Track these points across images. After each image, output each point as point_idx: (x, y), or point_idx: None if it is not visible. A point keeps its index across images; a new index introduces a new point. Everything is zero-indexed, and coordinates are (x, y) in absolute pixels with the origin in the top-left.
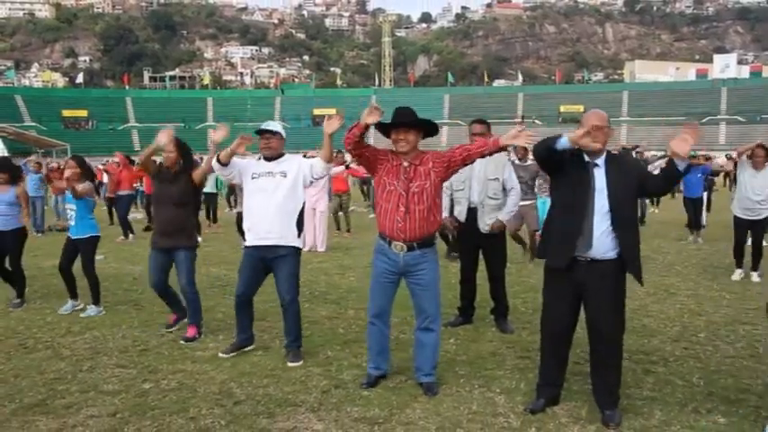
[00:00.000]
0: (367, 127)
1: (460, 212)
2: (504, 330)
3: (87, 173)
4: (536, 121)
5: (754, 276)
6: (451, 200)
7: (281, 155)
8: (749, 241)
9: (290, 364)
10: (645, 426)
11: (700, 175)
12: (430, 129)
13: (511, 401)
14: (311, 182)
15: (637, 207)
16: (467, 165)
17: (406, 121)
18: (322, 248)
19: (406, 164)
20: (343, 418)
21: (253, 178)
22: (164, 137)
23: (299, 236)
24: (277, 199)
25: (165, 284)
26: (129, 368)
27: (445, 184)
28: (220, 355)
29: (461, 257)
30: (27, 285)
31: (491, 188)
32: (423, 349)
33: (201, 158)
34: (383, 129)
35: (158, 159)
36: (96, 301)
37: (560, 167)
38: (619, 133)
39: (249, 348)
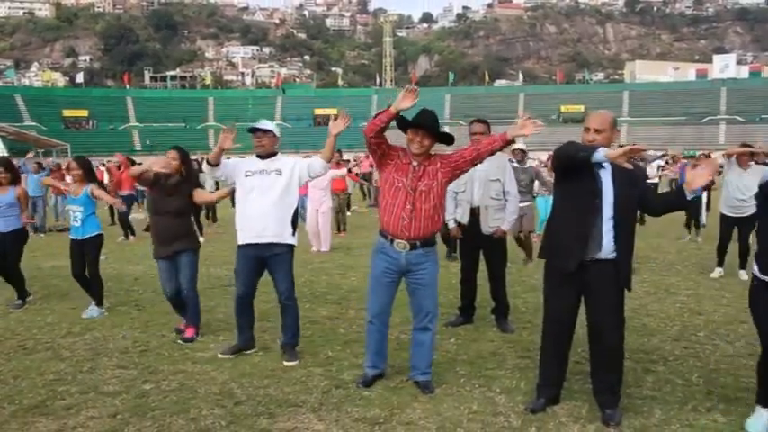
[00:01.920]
0: (397, 114)
1: (462, 214)
2: (504, 330)
3: (89, 174)
4: (537, 121)
5: (743, 274)
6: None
7: (273, 153)
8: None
9: (286, 363)
10: (645, 424)
11: None
12: (446, 139)
13: (511, 401)
14: (307, 180)
15: (635, 215)
16: (476, 164)
17: (427, 126)
18: (325, 248)
19: (415, 163)
20: (343, 419)
21: (246, 176)
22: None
23: (293, 234)
24: (273, 197)
25: (179, 293)
26: (130, 369)
27: (450, 186)
28: (219, 355)
29: (462, 257)
30: (27, 286)
31: (493, 189)
32: (420, 348)
33: (203, 158)
34: (402, 124)
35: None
36: (99, 303)
37: (574, 172)
38: (619, 133)
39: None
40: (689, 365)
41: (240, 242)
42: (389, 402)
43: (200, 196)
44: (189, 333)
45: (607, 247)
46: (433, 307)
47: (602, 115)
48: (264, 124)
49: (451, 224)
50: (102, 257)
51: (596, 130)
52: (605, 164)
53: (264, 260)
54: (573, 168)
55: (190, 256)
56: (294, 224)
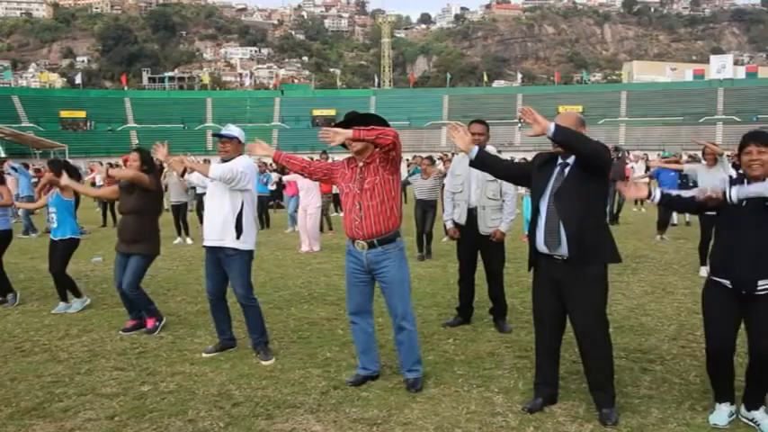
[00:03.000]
0: (278, 156)
1: (460, 214)
2: (502, 330)
3: (60, 176)
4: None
5: (703, 271)
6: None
7: (234, 158)
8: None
9: (263, 363)
10: (642, 424)
11: (672, 174)
12: (375, 122)
13: (509, 401)
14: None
15: (598, 203)
16: (386, 147)
17: (345, 122)
18: (317, 248)
19: (361, 164)
20: (341, 419)
21: (211, 180)
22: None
23: (238, 237)
24: (216, 201)
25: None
26: (128, 370)
27: (448, 187)
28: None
29: (460, 258)
30: (24, 288)
31: (490, 189)
32: (401, 347)
33: (207, 160)
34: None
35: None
36: (77, 295)
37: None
38: (618, 134)
39: (246, 349)
40: (686, 364)
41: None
42: (387, 403)
43: (119, 172)
44: (149, 324)
45: (563, 244)
46: (403, 306)
47: (565, 114)
48: (230, 130)
49: (449, 225)
50: (98, 259)
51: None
52: (569, 161)
53: (220, 262)
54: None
55: (138, 259)
56: (238, 228)
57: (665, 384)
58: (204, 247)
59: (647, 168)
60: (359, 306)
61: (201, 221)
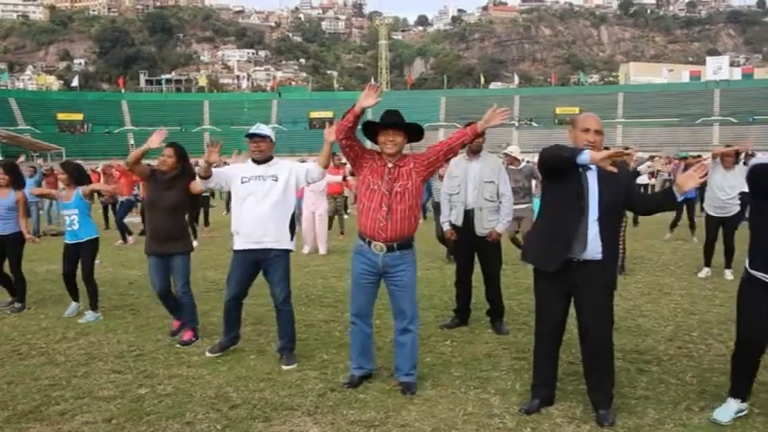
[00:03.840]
0: (362, 113)
1: (457, 216)
2: (499, 332)
3: (77, 177)
4: (533, 123)
5: (728, 274)
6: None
7: (270, 158)
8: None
9: (284, 368)
10: (639, 424)
11: None
12: (416, 132)
13: (506, 402)
14: (304, 186)
15: (621, 215)
16: (449, 159)
17: (396, 122)
18: (323, 251)
19: (390, 165)
20: (339, 422)
21: (243, 182)
22: (157, 138)
23: (291, 239)
24: (270, 203)
25: (168, 290)
26: (125, 373)
27: (444, 189)
28: (207, 353)
29: (457, 259)
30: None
31: (487, 191)
32: (402, 349)
33: (197, 163)
34: (370, 131)
35: (150, 162)
36: (94, 308)
37: (562, 173)
38: (615, 134)
39: (244, 351)
40: (683, 365)
41: (237, 247)
42: (384, 405)
43: (197, 186)
44: (186, 336)
45: (593, 248)
46: (413, 309)
47: (597, 117)
48: (262, 129)
49: (446, 226)
50: (96, 261)
51: (597, 132)
52: (591, 165)
53: (260, 265)
54: (559, 170)
55: (184, 259)
56: (292, 229)
57: (662, 385)
58: (240, 250)
59: (653, 174)
60: (362, 307)
61: (207, 222)
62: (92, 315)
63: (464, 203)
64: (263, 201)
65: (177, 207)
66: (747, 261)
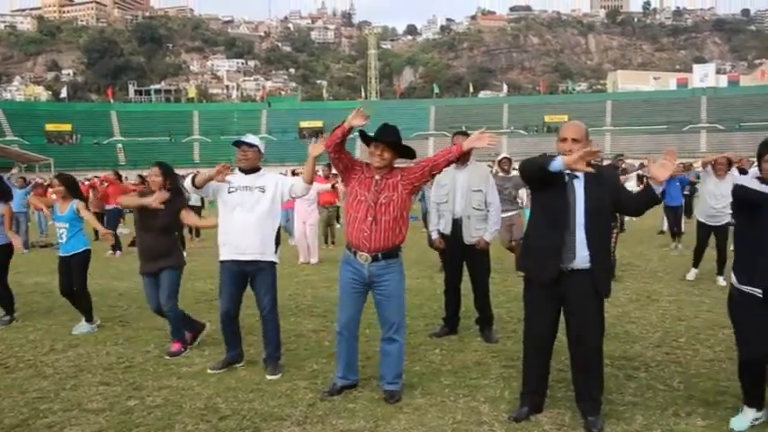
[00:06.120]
0: (350, 130)
1: (445, 224)
2: (488, 340)
3: (73, 190)
4: (521, 131)
5: (720, 281)
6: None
7: (257, 168)
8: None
9: (269, 377)
10: (627, 430)
11: (678, 183)
12: (407, 152)
13: (495, 410)
14: (287, 200)
15: (610, 220)
16: (434, 175)
17: (387, 140)
18: (314, 261)
19: (378, 177)
20: (328, 431)
21: (230, 192)
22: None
23: (275, 251)
24: (257, 214)
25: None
26: (114, 385)
27: (432, 198)
28: (209, 371)
29: (445, 268)
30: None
31: (475, 200)
32: (387, 358)
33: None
34: (365, 139)
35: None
36: (89, 319)
37: (544, 183)
38: (603, 142)
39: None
40: (670, 371)
41: (223, 258)
42: (374, 414)
43: (189, 218)
44: (174, 347)
45: (582, 257)
46: (399, 318)
47: (577, 125)
48: (250, 138)
49: (434, 235)
50: None
51: (574, 140)
52: (578, 173)
53: (247, 275)
54: (539, 180)
55: (171, 273)
56: (277, 241)
57: (650, 391)
58: (226, 261)
59: (641, 179)
60: (350, 318)
61: (198, 233)
62: (86, 326)
63: (452, 212)
64: (250, 212)
65: (167, 228)
66: (734, 277)
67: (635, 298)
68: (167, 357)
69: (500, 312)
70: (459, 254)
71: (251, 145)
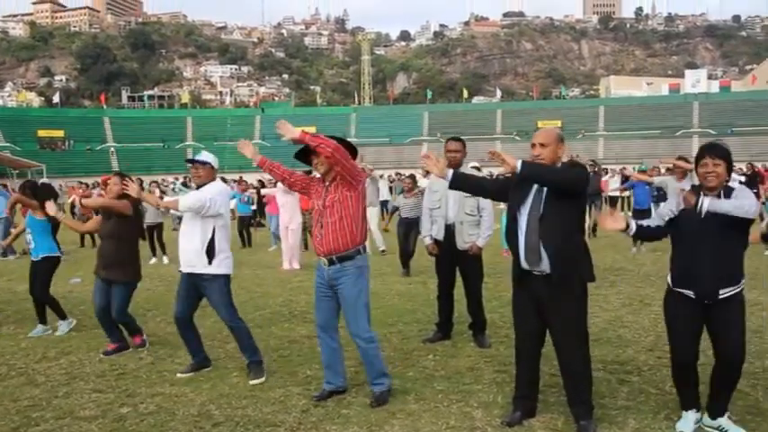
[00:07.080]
0: (263, 162)
1: (438, 230)
2: (481, 345)
3: (33, 197)
4: (515, 137)
5: None
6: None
7: (205, 184)
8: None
9: (251, 382)
10: None
11: (648, 187)
12: (346, 146)
13: (488, 415)
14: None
15: (576, 220)
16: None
17: (314, 144)
18: (296, 265)
19: (327, 182)
20: None
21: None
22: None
23: (210, 263)
24: (188, 228)
25: (106, 312)
26: (107, 393)
27: (425, 203)
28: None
29: (438, 274)
30: (0, 311)
31: (467, 205)
32: (363, 359)
33: (177, 178)
34: (301, 155)
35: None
36: (62, 317)
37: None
38: (596, 147)
39: (227, 369)
40: (662, 375)
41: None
42: (368, 420)
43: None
44: (110, 347)
45: (544, 260)
46: (354, 325)
47: (546, 131)
48: (203, 156)
49: (427, 240)
50: (77, 280)
51: (541, 145)
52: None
53: (198, 287)
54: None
55: (121, 289)
56: (210, 253)
57: (642, 395)
58: (180, 271)
59: (624, 180)
60: (325, 320)
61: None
62: (64, 324)
63: (445, 218)
64: (185, 225)
65: (115, 235)
66: (669, 278)
67: (627, 302)
68: (102, 355)
69: (493, 317)
70: (451, 259)
71: (203, 163)
